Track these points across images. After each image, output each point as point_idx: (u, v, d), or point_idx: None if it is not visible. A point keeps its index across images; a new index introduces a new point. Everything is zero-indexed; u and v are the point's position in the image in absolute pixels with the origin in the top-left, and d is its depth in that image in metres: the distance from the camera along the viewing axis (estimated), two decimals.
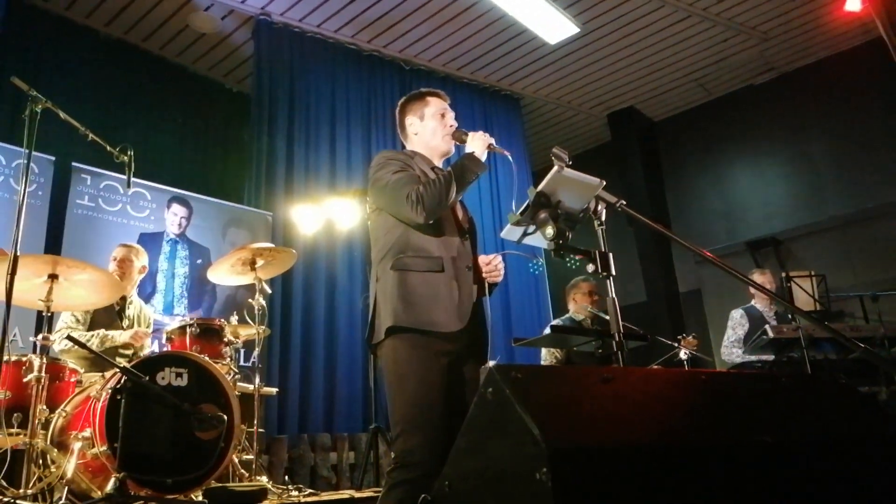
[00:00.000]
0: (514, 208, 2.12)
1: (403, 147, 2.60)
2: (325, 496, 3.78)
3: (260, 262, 4.02)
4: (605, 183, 2.11)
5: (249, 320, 4.00)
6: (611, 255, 2.06)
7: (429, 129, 2.48)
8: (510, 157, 2.41)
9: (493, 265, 2.37)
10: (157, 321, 4.41)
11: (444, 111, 2.50)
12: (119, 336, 3.80)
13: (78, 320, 3.86)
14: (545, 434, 0.95)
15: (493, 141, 2.39)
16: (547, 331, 3.93)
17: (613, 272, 2.05)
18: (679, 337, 4.68)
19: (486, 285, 2.38)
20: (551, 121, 9.04)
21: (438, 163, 2.50)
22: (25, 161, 3.04)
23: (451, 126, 2.48)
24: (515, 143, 8.40)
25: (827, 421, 1.31)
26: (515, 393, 1.00)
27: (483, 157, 2.35)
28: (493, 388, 1.05)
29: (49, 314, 3.26)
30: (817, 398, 1.39)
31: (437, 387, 2.09)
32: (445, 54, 7.57)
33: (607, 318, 4.23)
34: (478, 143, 2.37)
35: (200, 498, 3.12)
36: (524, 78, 8.10)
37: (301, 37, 6.95)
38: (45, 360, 3.16)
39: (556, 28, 7.03)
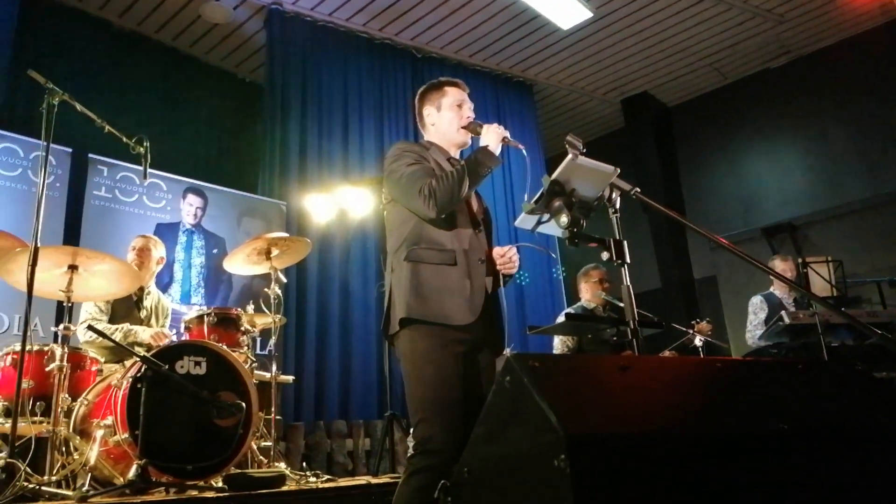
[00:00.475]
0: (527, 200, 2.12)
1: (420, 136, 2.60)
2: (343, 482, 3.83)
3: (275, 252, 4.04)
4: (619, 170, 2.10)
5: (265, 309, 4.04)
6: (625, 242, 2.07)
7: (445, 120, 2.47)
8: (524, 151, 2.39)
9: (507, 257, 2.37)
10: (174, 311, 4.46)
11: (462, 102, 2.49)
12: (142, 333, 3.85)
13: (101, 311, 3.91)
14: (563, 421, 0.96)
15: (507, 134, 2.38)
16: (561, 318, 3.93)
17: (628, 260, 2.06)
18: (693, 322, 4.66)
19: (501, 276, 2.38)
20: (564, 107, 8.99)
21: (455, 153, 2.50)
22: (44, 153, 3.08)
23: (467, 117, 2.47)
24: (528, 130, 8.37)
25: (843, 408, 1.31)
26: (533, 381, 1.01)
27: (497, 151, 2.35)
28: (510, 376, 1.06)
29: (69, 304, 3.31)
30: (834, 385, 1.39)
31: (454, 375, 2.11)
32: (457, 41, 7.53)
33: (620, 304, 4.24)
34: (492, 137, 2.35)
35: (220, 484, 3.17)
36: (537, 64, 8.05)
37: (313, 25, 6.95)
38: (66, 350, 3.21)
39: (568, 13, 6.97)
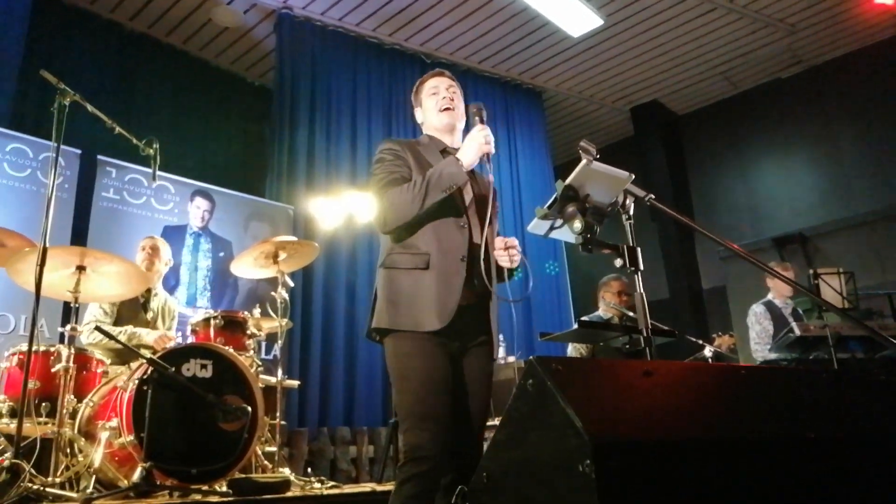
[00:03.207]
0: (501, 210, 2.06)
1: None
2: (348, 489, 3.80)
3: (283, 256, 4.03)
4: (633, 177, 2.08)
5: (272, 313, 4.02)
6: (639, 249, 2.04)
7: (428, 111, 2.42)
8: (491, 181, 2.21)
9: (507, 249, 2.21)
10: (180, 314, 4.45)
11: (436, 89, 2.40)
12: (146, 336, 3.83)
13: (106, 312, 3.90)
14: (588, 426, 0.95)
15: (492, 151, 2.20)
16: (574, 325, 3.89)
17: (642, 267, 2.03)
18: (713, 335, 4.59)
19: (506, 271, 2.25)
20: (573, 115, 8.98)
21: (450, 140, 2.37)
22: (54, 154, 3.08)
23: (444, 98, 2.36)
24: (537, 137, 8.36)
25: (867, 416, 1.28)
26: (557, 385, 0.99)
27: (474, 163, 2.19)
28: (533, 379, 1.04)
29: (76, 305, 3.30)
30: (856, 394, 1.36)
31: (440, 381, 2.04)
32: (467, 47, 7.54)
33: (635, 316, 4.20)
34: (472, 149, 2.18)
35: (225, 488, 3.14)
36: (546, 71, 8.05)
37: (323, 30, 6.96)
38: (72, 351, 3.20)
39: (579, 21, 6.97)
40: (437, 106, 2.37)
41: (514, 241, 2.25)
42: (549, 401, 1.01)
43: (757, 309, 5.14)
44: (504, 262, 2.22)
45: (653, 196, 2.09)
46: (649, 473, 0.98)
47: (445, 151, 2.32)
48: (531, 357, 1.06)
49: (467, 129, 2.31)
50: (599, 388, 1.07)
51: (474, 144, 2.18)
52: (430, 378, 2.03)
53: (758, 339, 5.05)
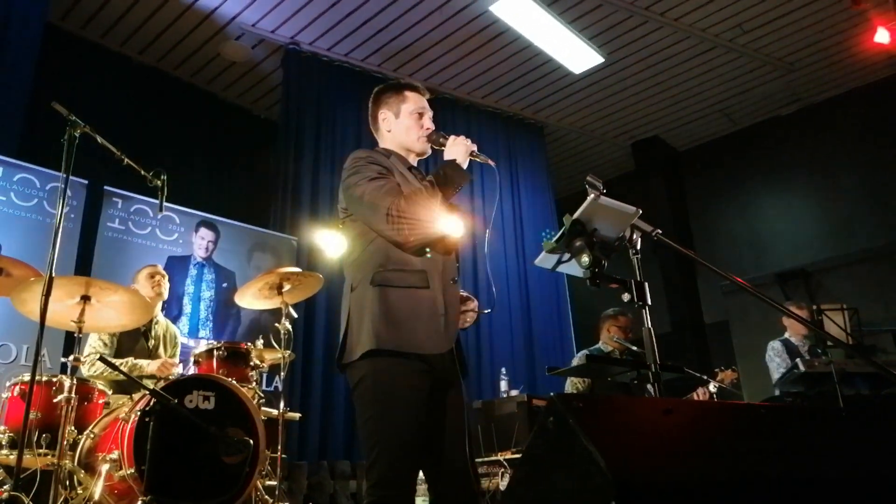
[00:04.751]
0: (489, 225, 2.08)
1: (374, 143, 2.38)
2: None
3: (287, 287, 4.03)
4: (640, 211, 2.09)
5: (275, 344, 4.00)
6: (646, 284, 2.04)
7: (403, 128, 2.25)
8: (494, 166, 2.22)
9: (467, 308, 2.19)
10: (182, 344, 4.43)
11: (423, 110, 2.28)
12: (148, 366, 3.82)
13: (106, 344, 3.89)
14: (612, 466, 0.93)
15: (475, 147, 2.20)
16: (577, 360, 3.87)
17: (649, 302, 2.03)
18: (716, 370, 4.57)
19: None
20: (575, 149, 9.06)
21: (413, 162, 2.29)
22: (63, 185, 3.09)
23: (427, 128, 2.27)
24: (538, 171, 8.43)
25: (889, 456, 1.27)
26: (579, 423, 0.98)
27: (465, 165, 2.16)
28: (554, 417, 1.02)
29: (80, 335, 3.29)
30: (877, 433, 1.35)
31: (420, 411, 1.93)
32: (470, 83, 7.64)
33: (636, 349, 4.19)
34: (459, 150, 2.15)
35: None
36: (548, 107, 8.15)
37: (329, 65, 7.07)
38: (74, 381, 3.18)
39: (580, 57, 7.08)
40: (421, 131, 2.26)
41: (474, 303, 2.23)
42: (572, 439, 1.00)
43: (775, 345, 5.14)
44: (462, 324, 2.18)
45: (660, 231, 2.11)
46: None
47: (412, 171, 2.24)
48: (552, 394, 1.05)
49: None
50: (621, 427, 1.05)
51: (460, 147, 2.16)
52: (411, 406, 1.92)
53: (777, 373, 5.02)
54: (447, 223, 2.13)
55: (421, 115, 2.27)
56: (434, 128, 2.30)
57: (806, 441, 1.23)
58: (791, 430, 1.25)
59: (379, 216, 2.02)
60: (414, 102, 2.28)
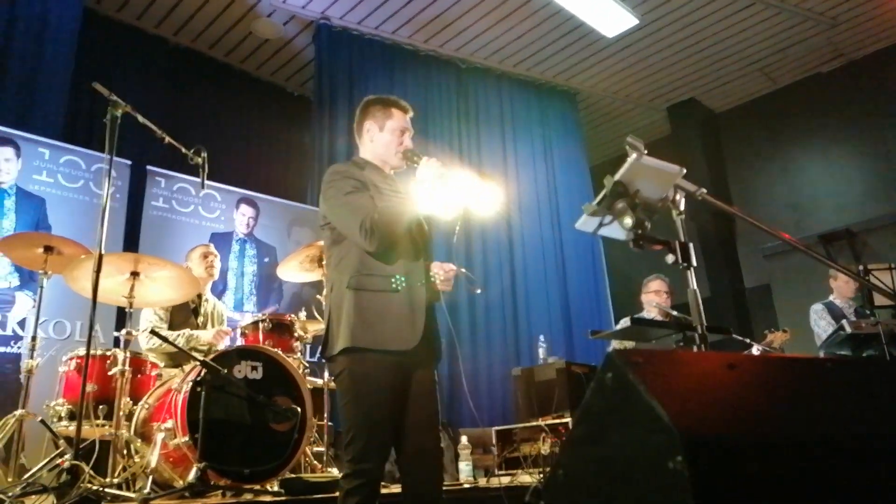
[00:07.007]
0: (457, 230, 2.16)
1: (355, 148, 2.60)
2: (395, 489, 3.82)
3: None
4: (685, 170, 2.06)
5: (318, 316, 4.08)
6: (691, 245, 2.02)
7: (383, 143, 2.47)
8: (479, 293, 2.45)
9: (447, 275, 2.37)
10: (228, 318, 4.54)
11: (405, 129, 2.49)
12: (203, 335, 3.93)
13: (160, 318, 4.01)
14: (676, 421, 0.92)
15: (445, 170, 2.37)
16: (623, 323, 3.86)
17: (694, 263, 2.01)
18: (765, 332, 4.50)
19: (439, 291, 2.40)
20: (609, 115, 8.92)
21: (388, 172, 2.50)
22: (107, 166, 3.18)
23: (405, 146, 2.47)
24: (571, 138, 8.33)
25: None
26: (639, 378, 0.98)
27: (434, 184, 2.35)
28: (612, 373, 1.03)
29: (131, 310, 3.40)
30: None
31: (390, 398, 2.19)
32: (502, 51, 7.55)
33: (677, 315, 4.15)
34: (429, 173, 2.34)
35: (276, 488, 3.20)
36: (581, 73, 8.01)
37: (360, 39, 7.05)
38: (128, 354, 3.30)
39: (614, 21, 6.93)
40: (400, 147, 2.46)
41: (451, 268, 2.39)
42: (631, 394, 0.99)
43: (816, 307, 5.05)
44: (444, 287, 2.38)
45: (704, 190, 2.08)
46: (744, 471, 0.96)
47: (387, 180, 2.44)
48: (610, 350, 1.06)
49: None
50: (683, 382, 1.06)
51: (430, 170, 2.33)
52: (382, 394, 2.17)
53: (822, 335, 4.94)
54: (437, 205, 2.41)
55: (403, 132, 2.48)
56: (412, 147, 2.50)
57: (876, 397, 1.18)
58: (859, 385, 1.21)
59: (353, 228, 2.24)
60: (398, 120, 2.49)
